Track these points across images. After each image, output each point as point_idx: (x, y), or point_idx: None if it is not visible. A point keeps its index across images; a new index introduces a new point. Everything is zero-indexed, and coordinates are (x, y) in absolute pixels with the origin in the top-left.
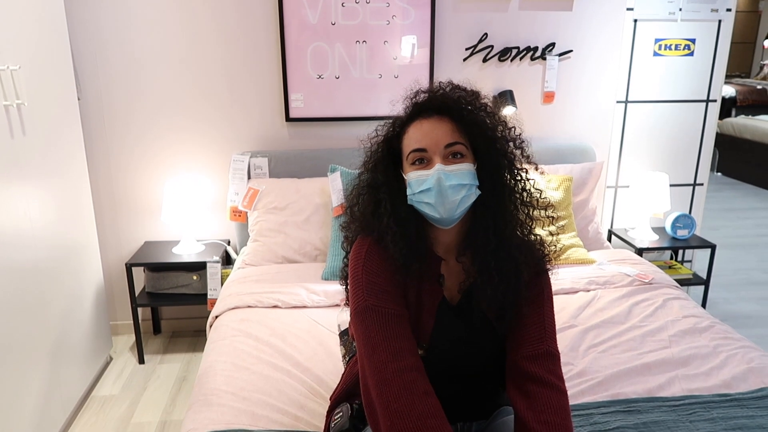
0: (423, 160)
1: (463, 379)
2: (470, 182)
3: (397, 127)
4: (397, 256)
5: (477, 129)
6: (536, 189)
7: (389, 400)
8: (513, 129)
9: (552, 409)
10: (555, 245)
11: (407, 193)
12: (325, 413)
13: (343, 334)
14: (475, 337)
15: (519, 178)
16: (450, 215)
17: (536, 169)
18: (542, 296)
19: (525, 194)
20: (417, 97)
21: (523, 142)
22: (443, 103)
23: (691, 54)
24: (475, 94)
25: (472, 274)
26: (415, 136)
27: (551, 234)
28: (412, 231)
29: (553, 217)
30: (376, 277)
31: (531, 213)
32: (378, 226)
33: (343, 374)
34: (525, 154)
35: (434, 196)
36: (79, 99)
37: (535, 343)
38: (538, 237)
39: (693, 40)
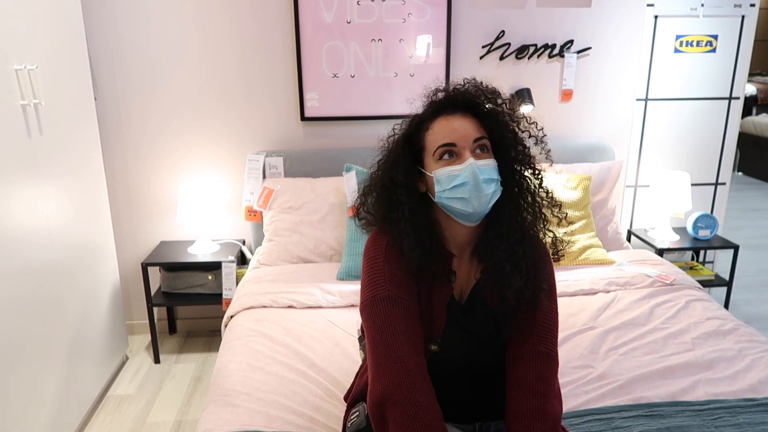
0: (452, 154)
1: (478, 376)
2: (497, 177)
3: (418, 123)
4: (413, 260)
5: (498, 126)
6: (544, 189)
7: (415, 393)
8: (535, 124)
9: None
10: (565, 243)
11: (435, 190)
12: (341, 416)
13: (362, 339)
14: (483, 333)
15: (535, 175)
16: (483, 209)
17: (551, 165)
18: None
19: (539, 191)
20: (437, 95)
21: (543, 139)
22: (467, 100)
23: (714, 51)
24: (495, 92)
25: (482, 270)
26: (442, 132)
27: (566, 235)
28: (427, 234)
29: (562, 216)
30: (397, 270)
31: (542, 209)
32: (393, 229)
33: (356, 376)
34: (545, 150)
35: (469, 190)
36: (95, 99)
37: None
38: (552, 234)
39: (715, 37)
